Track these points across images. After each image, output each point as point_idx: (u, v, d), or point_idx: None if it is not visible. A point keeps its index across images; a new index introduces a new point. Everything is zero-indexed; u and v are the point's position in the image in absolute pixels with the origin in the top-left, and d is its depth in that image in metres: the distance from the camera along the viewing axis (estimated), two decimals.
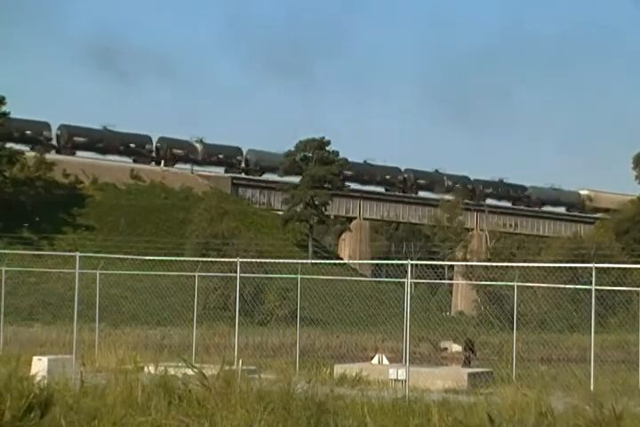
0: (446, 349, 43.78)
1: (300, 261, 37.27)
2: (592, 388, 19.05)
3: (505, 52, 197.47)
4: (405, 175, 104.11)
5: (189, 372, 13.80)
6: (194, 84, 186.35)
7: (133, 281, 56.20)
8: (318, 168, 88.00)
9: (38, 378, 15.57)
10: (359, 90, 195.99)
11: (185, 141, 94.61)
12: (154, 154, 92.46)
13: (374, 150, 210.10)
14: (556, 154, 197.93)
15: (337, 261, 76.04)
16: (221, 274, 38.89)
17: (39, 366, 19.16)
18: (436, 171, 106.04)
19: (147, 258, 33.48)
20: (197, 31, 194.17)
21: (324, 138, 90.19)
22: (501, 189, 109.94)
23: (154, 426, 12.52)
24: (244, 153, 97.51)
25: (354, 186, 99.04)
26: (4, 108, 76.47)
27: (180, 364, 15.60)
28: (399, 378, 21.65)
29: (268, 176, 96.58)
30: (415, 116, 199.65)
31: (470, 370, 25.46)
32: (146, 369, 19.28)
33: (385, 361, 26.39)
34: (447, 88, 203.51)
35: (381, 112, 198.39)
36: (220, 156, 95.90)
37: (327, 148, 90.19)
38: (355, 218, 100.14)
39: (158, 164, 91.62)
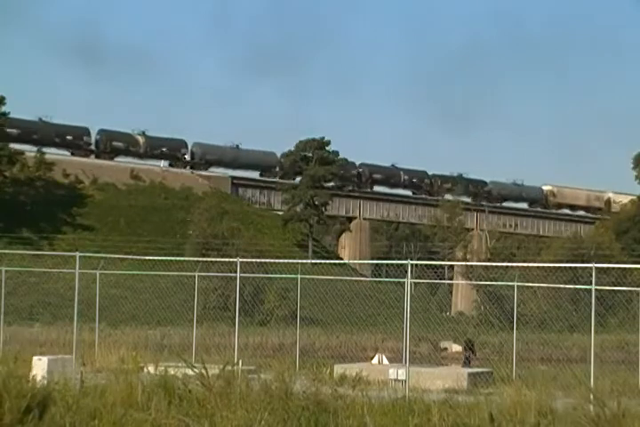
0: (446, 349, 43.77)
1: (300, 261, 37.31)
2: (592, 388, 19.05)
3: (490, 49, 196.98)
4: (360, 170, 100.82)
5: (189, 372, 13.79)
6: (177, 81, 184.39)
7: (133, 281, 56.24)
8: (318, 168, 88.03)
9: (38, 378, 15.60)
10: (344, 87, 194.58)
11: (126, 134, 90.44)
12: (93, 147, 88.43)
13: (352, 147, 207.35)
14: (541, 151, 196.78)
15: (337, 261, 76.04)
16: (221, 274, 38.89)
17: (39, 366, 19.16)
18: (393, 165, 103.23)
19: (147, 258, 33.46)
20: (180, 26, 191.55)
21: (323, 138, 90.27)
22: (460, 184, 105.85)
23: (154, 426, 12.52)
24: (190, 146, 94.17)
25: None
26: (4, 109, 76.55)
27: (179, 364, 15.59)
28: (399, 378, 21.65)
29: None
30: (389, 112, 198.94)
31: (470, 370, 25.46)
32: (146, 369, 19.28)
33: (385, 361, 26.39)
34: (426, 84, 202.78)
35: (357, 109, 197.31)
36: (164, 149, 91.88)
37: (327, 148, 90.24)
38: (355, 218, 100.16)
39: (98, 157, 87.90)
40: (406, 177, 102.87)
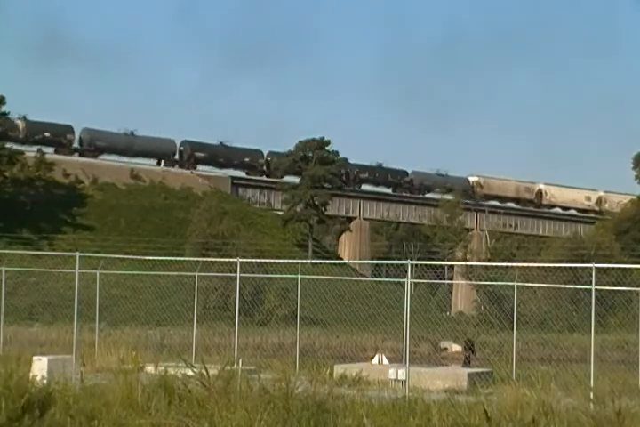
0: (446, 349, 43.72)
1: (300, 261, 37.29)
2: (592, 388, 19.04)
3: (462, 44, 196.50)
4: (268, 159, 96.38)
5: (189, 372, 13.80)
6: (148, 80, 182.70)
7: (133, 281, 56.24)
8: (318, 168, 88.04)
9: (38, 378, 15.60)
10: (320, 83, 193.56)
11: (3, 117, 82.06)
12: None
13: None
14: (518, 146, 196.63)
15: (337, 261, 76.03)
16: (221, 274, 38.85)
17: (39, 366, 19.17)
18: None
19: (147, 258, 33.51)
20: (148, 22, 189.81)
21: (323, 138, 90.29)
22: (379, 173, 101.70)
23: (154, 426, 12.52)
24: (78, 132, 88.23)
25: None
26: (4, 108, 76.58)
27: (179, 364, 15.59)
28: (399, 378, 21.66)
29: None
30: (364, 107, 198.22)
31: (470, 370, 25.46)
32: (146, 369, 19.28)
33: (385, 361, 26.39)
34: (403, 80, 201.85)
35: (334, 105, 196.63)
36: (47, 134, 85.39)
37: (327, 148, 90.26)
38: (355, 218, 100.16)
39: None
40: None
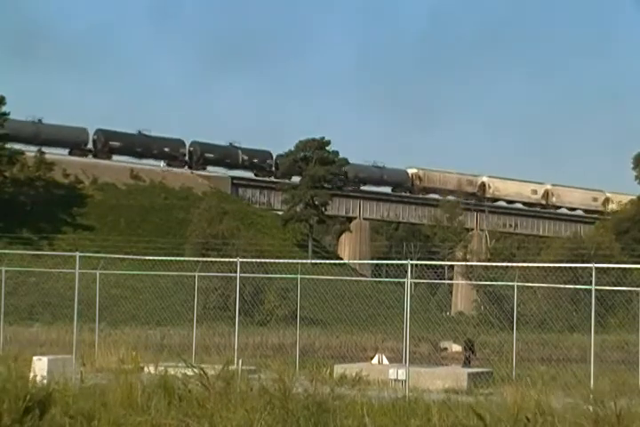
0: (446, 349, 43.71)
1: (300, 261, 37.35)
2: (592, 388, 19.05)
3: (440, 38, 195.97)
4: (191, 148, 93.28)
5: (189, 372, 13.80)
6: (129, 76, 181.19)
7: (133, 281, 56.24)
8: (318, 168, 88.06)
9: (38, 378, 15.60)
10: (297, 80, 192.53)
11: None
12: None
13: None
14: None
15: (337, 261, 76.05)
16: (221, 274, 38.86)
17: (39, 366, 19.18)
18: (231, 144, 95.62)
19: (147, 258, 33.53)
20: (124, 19, 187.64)
21: (323, 138, 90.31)
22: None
23: (154, 426, 12.52)
24: None
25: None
26: (4, 109, 76.55)
27: (179, 364, 15.60)
28: (399, 378, 21.66)
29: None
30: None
31: (470, 370, 25.46)
32: (146, 369, 19.28)
33: (385, 361, 26.39)
34: (382, 79, 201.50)
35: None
36: None
37: (327, 148, 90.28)
38: (355, 218, 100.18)
39: None
40: (245, 157, 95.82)
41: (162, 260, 31.78)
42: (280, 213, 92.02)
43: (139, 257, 37.94)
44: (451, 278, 77.87)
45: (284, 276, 39.56)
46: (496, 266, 47.97)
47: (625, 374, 24.52)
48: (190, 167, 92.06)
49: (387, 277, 57.53)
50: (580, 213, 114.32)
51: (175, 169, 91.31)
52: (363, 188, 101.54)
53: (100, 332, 29.76)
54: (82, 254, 25.06)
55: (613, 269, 42.68)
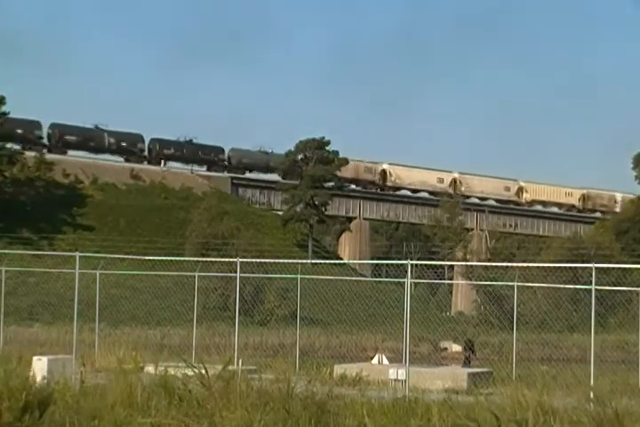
0: (446, 349, 43.75)
1: (300, 261, 37.38)
2: (592, 388, 19.04)
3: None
4: (49, 131, 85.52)
5: (189, 372, 13.80)
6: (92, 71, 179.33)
7: (133, 281, 56.24)
8: (318, 168, 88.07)
9: (38, 378, 15.60)
10: (267, 71, 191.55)
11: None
12: None
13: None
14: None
15: (337, 261, 76.06)
16: (221, 274, 38.89)
17: (39, 366, 19.18)
18: (97, 126, 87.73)
19: (147, 258, 33.50)
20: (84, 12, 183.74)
21: (323, 138, 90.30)
22: (187, 150, 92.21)
23: (154, 426, 12.52)
24: None
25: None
26: (4, 108, 76.52)
27: (179, 364, 15.60)
28: (399, 378, 21.66)
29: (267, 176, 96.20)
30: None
31: (470, 370, 25.47)
32: (146, 369, 19.29)
33: (385, 361, 26.40)
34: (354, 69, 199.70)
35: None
36: None
37: (327, 148, 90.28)
38: (355, 218, 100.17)
39: None
40: (112, 140, 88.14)
41: (162, 260, 31.78)
42: (280, 213, 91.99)
43: (139, 257, 37.91)
44: (451, 278, 77.90)
45: (284, 276, 39.57)
46: (496, 266, 48.03)
47: (625, 374, 24.53)
48: (50, 151, 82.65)
49: (387, 278, 57.52)
50: (544, 208, 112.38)
51: (175, 169, 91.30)
52: (363, 188, 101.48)
53: (99, 332, 29.77)
54: (82, 254, 25.05)
55: (613, 269, 42.70)
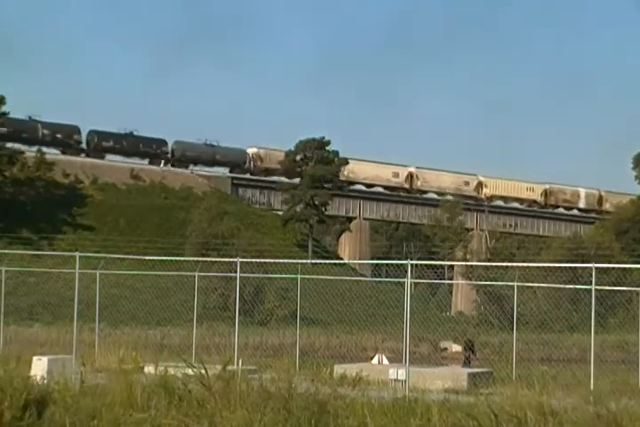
0: (446, 349, 43.76)
1: (299, 261, 37.34)
2: (592, 388, 19.06)
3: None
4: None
5: (189, 372, 13.80)
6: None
7: (133, 281, 56.23)
8: (318, 168, 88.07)
9: (38, 378, 15.60)
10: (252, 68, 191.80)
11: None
12: None
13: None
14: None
15: (337, 261, 76.07)
16: (221, 274, 38.89)
17: (39, 366, 19.18)
18: (30, 118, 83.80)
19: (147, 258, 33.48)
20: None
21: (323, 138, 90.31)
22: (128, 142, 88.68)
23: (153, 426, 12.52)
24: None
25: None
26: (4, 108, 76.53)
27: (179, 364, 15.60)
28: (399, 378, 21.66)
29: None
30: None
31: (470, 370, 25.47)
32: (146, 369, 19.29)
33: (385, 361, 26.41)
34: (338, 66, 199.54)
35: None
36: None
37: (327, 148, 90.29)
38: (355, 218, 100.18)
39: None
40: (46, 131, 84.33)
41: (162, 260, 31.74)
42: (280, 213, 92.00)
43: (139, 257, 37.90)
44: (451, 278, 77.93)
45: (283, 276, 39.57)
46: (496, 266, 48.01)
47: (625, 374, 24.52)
48: None
49: (387, 277, 57.57)
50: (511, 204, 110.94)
51: (175, 169, 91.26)
52: (362, 188, 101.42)
53: (99, 332, 29.77)
54: (82, 254, 25.06)
55: (613, 269, 42.70)
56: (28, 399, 12.28)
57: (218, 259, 35.28)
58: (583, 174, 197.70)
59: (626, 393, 16.99)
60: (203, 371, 13.37)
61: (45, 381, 15.29)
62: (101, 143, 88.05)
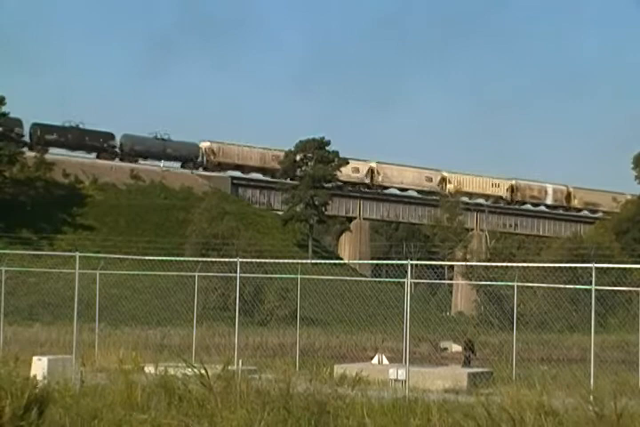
0: (446, 349, 43.78)
1: (299, 261, 37.37)
2: (592, 388, 19.04)
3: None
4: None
5: (189, 372, 13.80)
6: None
7: (133, 281, 56.20)
8: (318, 168, 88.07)
9: (38, 378, 15.59)
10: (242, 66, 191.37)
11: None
12: None
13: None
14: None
15: (337, 261, 76.04)
16: (221, 274, 38.86)
17: (39, 366, 19.19)
18: None
19: (147, 258, 33.44)
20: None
21: (323, 138, 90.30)
22: (73, 135, 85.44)
23: (154, 426, 12.52)
24: None
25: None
26: (4, 109, 76.51)
27: (179, 364, 15.60)
28: (399, 378, 21.66)
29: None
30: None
31: (470, 370, 25.48)
32: (146, 369, 19.28)
33: (385, 361, 26.42)
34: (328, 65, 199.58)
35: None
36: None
37: (327, 148, 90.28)
38: (355, 218, 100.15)
39: None
40: None
41: (162, 260, 31.73)
42: (280, 213, 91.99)
43: (139, 257, 37.84)
44: (451, 278, 77.94)
45: (283, 276, 39.58)
46: (496, 266, 48.01)
47: (625, 374, 24.52)
48: None
49: (387, 277, 57.55)
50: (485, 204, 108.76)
51: (175, 169, 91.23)
52: (362, 188, 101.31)
53: (99, 332, 29.77)
54: (82, 254, 25.03)
55: (613, 269, 42.69)
56: (29, 400, 12.27)
57: (218, 259, 35.27)
58: (583, 174, 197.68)
59: (626, 393, 16.98)
60: (203, 371, 13.37)
61: (45, 381, 15.28)
62: (44, 136, 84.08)
